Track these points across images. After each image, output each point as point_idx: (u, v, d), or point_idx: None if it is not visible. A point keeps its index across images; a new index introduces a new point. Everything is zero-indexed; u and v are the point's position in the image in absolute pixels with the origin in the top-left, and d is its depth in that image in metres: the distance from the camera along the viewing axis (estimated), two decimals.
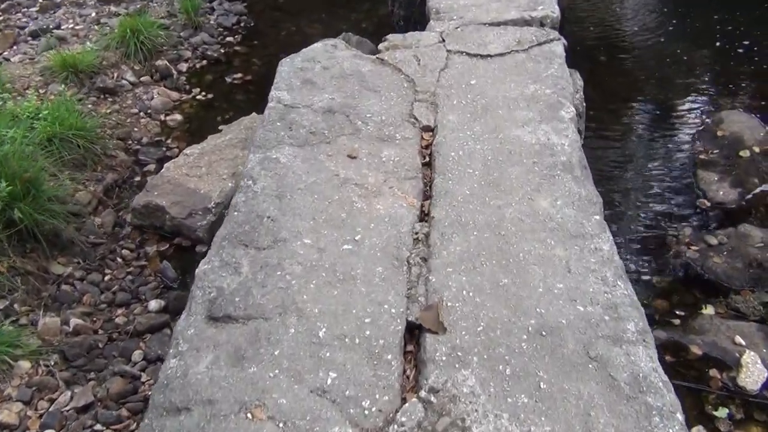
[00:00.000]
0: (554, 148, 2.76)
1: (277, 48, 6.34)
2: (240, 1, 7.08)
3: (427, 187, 2.69)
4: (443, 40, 3.33)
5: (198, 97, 5.66)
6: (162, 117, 5.38)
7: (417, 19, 6.17)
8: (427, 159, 2.83)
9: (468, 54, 3.22)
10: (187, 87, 5.75)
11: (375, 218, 2.49)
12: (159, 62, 5.82)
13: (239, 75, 5.93)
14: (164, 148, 5.10)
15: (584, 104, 3.31)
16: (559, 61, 3.16)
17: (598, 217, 2.49)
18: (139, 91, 5.57)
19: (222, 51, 6.24)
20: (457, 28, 3.41)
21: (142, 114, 5.37)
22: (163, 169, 4.52)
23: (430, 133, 2.92)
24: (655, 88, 5.64)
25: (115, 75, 5.58)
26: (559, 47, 3.24)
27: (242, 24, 6.71)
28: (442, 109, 2.98)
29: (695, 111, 5.34)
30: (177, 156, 5.00)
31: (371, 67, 3.20)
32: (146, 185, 4.41)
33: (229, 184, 4.48)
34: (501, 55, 3.19)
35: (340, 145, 2.87)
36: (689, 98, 5.43)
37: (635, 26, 6.57)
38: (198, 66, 6.03)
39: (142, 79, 5.65)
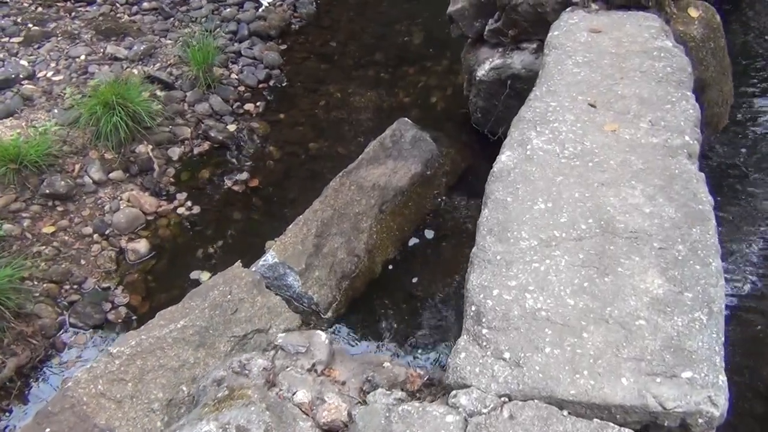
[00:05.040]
0: None
1: (307, 131, 4.68)
2: (277, 42, 5.37)
3: None
4: None
5: (180, 209, 4.13)
6: (123, 242, 3.91)
7: (501, 114, 4.31)
8: None
9: None
10: (171, 189, 4.23)
11: None
12: (140, 148, 4.31)
13: (244, 175, 4.33)
14: (109, 304, 3.64)
15: None
16: None
17: None
18: (104, 194, 4.11)
19: (232, 129, 4.64)
20: (503, 402, 1.63)
21: (96, 236, 3.92)
22: (70, 383, 3.06)
23: None
24: None
25: (76, 168, 4.13)
26: None
27: (271, 82, 5.05)
28: None
29: None
30: (123, 317, 3.58)
31: None
32: (38, 413, 2.99)
33: (158, 424, 2.99)
34: None
35: None
36: None
37: None
38: (195, 152, 4.47)
39: (111, 175, 4.17)
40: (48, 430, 2.91)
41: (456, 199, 4.16)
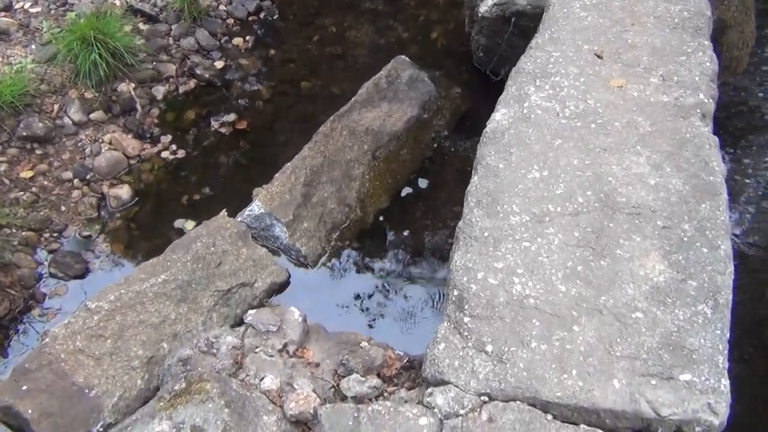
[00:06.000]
0: None
1: (300, 68, 4.42)
2: None
3: None
4: None
5: (165, 153, 3.95)
6: (105, 188, 3.75)
7: (505, 54, 4.04)
8: None
9: None
10: (155, 131, 4.03)
11: None
12: (122, 87, 4.08)
13: (232, 117, 4.12)
14: (90, 254, 3.51)
15: None
16: None
17: None
18: (85, 136, 3.92)
19: (220, 66, 4.39)
20: (482, 402, 1.49)
21: (76, 181, 3.75)
22: (47, 339, 2.97)
23: None
24: None
25: (55, 108, 3.92)
26: None
27: (262, 15, 4.75)
28: None
29: None
30: (105, 267, 3.47)
31: None
32: (15, 370, 2.91)
33: (138, 382, 2.90)
34: None
35: None
36: None
37: None
38: (181, 91, 4.24)
39: (92, 116, 3.97)
40: (25, 387, 2.83)
41: (454, 144, 3.96)
